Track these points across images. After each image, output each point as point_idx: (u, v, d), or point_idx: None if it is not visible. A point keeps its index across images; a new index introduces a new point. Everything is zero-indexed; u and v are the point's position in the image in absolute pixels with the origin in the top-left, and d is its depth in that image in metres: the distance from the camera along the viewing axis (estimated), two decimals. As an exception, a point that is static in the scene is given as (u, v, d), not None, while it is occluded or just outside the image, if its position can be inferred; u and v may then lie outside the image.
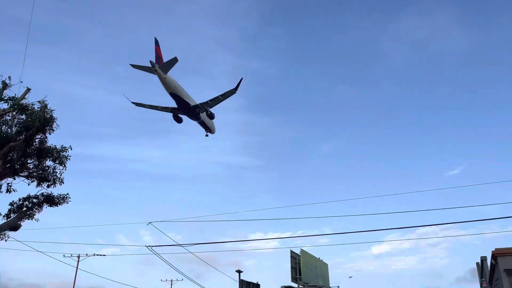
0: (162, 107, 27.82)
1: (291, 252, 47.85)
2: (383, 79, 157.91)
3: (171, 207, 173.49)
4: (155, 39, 23.72)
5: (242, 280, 47.04)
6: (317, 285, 49.00)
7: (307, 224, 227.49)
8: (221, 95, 26.97)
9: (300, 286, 47.70)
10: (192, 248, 26.12)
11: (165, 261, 25.62)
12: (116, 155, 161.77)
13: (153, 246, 24.62)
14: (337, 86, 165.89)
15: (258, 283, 52.50)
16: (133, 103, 27.48)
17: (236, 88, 26.15)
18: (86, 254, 32.45)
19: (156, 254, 24.68)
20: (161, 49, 22.79)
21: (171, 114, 27.60)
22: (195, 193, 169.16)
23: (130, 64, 24.50)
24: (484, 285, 26.60)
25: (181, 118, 27.64)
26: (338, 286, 54.40)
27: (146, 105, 27.26)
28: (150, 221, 24.90)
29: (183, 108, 26.45)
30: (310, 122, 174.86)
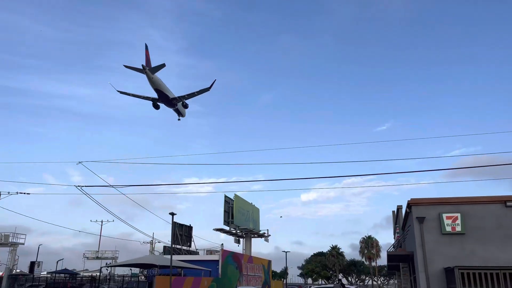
0: (144, 96, 31.33)
1: (225, 196, 49.09)
2: (325, 32, 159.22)
3: (104, 148, 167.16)
4: (145, 44, 27.89)
5: (175, 222, 47.72)
6: (248, 228, 51.20)
7: (242, 170, 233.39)
8: (196, 92, 31.11)
9: (231, 229, 49.57)
10: (125, 190, 25.76)
11: (96, 201, 25.12)
12: (43, 90, 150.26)
13: (82, 186, 23.91)
14: (281, 35, 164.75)
15: (191, 225, 53.66)
16: (118, 91, 30.57)
17: (210, 87, 30.65)
18: (8, 192, 30.74)
19: (86, 194, 24.04)
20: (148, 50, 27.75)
21: (151, 102, 31.48)
22: (129, 135, 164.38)
23: (124, 65, 28.13)
24: (397, 230, 29.55)
25: (159, 105, 31.73)
26: (267, 230, 57.25)
27: (130, 93, 30.79)
28: (80, 161, 24.43)
29: (163, 99, 30.38)
30: (252, 69, 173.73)
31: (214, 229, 50.67)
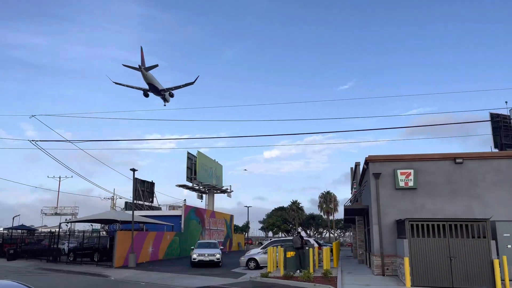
0: (137, 87, 35.91)
1: (188, 153, 48.94)
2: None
3: (59, 102, 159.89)
4: (141, 47, 31.92)
5: (137, 178, 47.34)
6: (210, 184, 51.67)
7: (205, 127, 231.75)
8: (182, 85, 36.41)
9: (194, 185, 49.87)
10: (83, 146, 25.18)
11: (52, 156, 24.28)
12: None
13: (37, 140, 22.97)
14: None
15: (153, 181, 53.42)
16: (114, 82, 35.02)
17: (194, 82, 35.93)
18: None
19: (41, 149, 23.15)
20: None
21: (142, 91, 36.29)
22: (87, 89, 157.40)
23: (123, 64, 32.93)
24: (354, 186, 30.81)
25: (149, 94, 36.48)
26: (230, 186, 58.09)
27: (124, 84, 35.40)
28: (33, 114, 23.52)
29: (153, 90, 35.24)
30: (217, 23, 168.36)
31: (177, 185, 50.89)
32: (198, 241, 28.80)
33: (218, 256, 25.07)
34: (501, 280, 14.00)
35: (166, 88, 36.06)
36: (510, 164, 18.14)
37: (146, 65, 32.20)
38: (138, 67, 32.12)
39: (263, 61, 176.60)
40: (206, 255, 24.87)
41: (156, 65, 32.15)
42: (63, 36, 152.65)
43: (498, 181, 18.00)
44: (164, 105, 38.24)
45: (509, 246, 15.55)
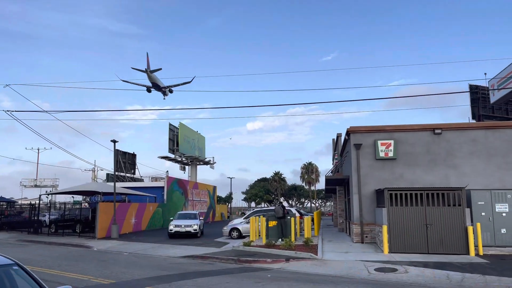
0: (142, 84, 40.45)
1: (170, 125, 48.43)
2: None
3: (35, 71, 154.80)
4: (147, 53, 42.24)
5: (118, 150, 46.81)
6: (193, 155, 51.52)
7: (187, 98, 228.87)
8: (180, 83, 41.79)
9: (176, 156, 49.65)
10: (63, 117, 24.53)
11: (29, 127, 23.73)
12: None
13: (13, 111, 22.29)
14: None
15: (135, 153, 52.92)
16: (122, 80, 39.38)
17: (191, 81, 41.28)
18: None
19: (17, 120, 22.53)
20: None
21: (145, 88, 40.76)
22: (64, 58, 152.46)
23: (131, 67, 40.76)
24: (336, 156, 31.17)
25: (151, 90, 40.97)
26: (213, 157, 58.06)
27: (131, 82, 39.74)
28: (8, 84, 22.81)
29: (155, 88, 40.53)
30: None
31: (159, 157, 50.52)
32: (178, 212, 28.65)
33: (195, 227, 24.72)
34: (475, 246, 14.57)
35: (167, 86, 42.56)
36: (486, 135, 18.56)
37: (151, 68, 39.40)
38: (144, 70, 38.75)
39: (246, 32, 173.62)
40: (182, 226, 24.57)
41: (160, 69, 39.52)
42: (36, 2, 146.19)
43: (474, 151, 18.44)
44: (164, 98, 44.38)
45: (483, 213, 16.12)
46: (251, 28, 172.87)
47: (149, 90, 41.49)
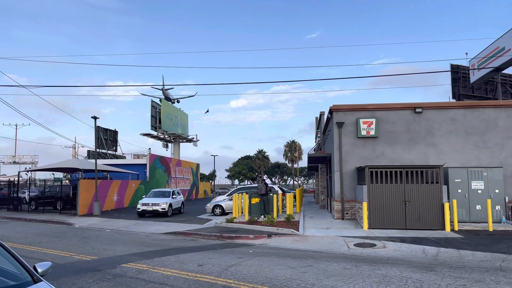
0: (157, 97, 49.64)
1: (152, 101, 47.71)
2: None
3: (12, 44, 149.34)
4: (162, 76, 53.68)
5: (99, 127, 46.07)
6: (176, 133, 51.12)
7: (170, 74, 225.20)
8: (185, 96, 54.70)
9: (159, 133, 49.18)
10: (42, 92, 23.86)
11: (6, 103, 23.02)
12: None
13: (-12, 86, 21.63)
14: None
15: (116, 130, 52.21)
16: (141, 94, 52.60)
17: (194, 95, 52.32)
18: None
19: (-7, 95, 21.85)
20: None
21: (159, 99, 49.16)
22: (42, 32, 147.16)
23: (150, 86, 50.57)
24: (318, 135, 31.41)
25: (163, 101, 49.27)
26: (196, 135, 57.75)
27: (149, 95, 50.56)
28: None
29: (167, 100, 49.96)
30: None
31: (141, 134, 49.94)
32: (152, 190, 27.52)
33: (163, 206, 23.59)
34: (450, 222, 15.05)
35: (175, 98, 53.15)
36: (465, 114, 18.92)
37: (166, 88, 48.82)
38: (161, 88, 48.43)
39: (230, 8, 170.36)
40: (150, 204, 23.61)
41: (172, 87, 49.00)
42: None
43: (453, 130, 18.82)
44: (172, 102, 53.37)
45: (459, 190, 16.60)
46: (235, 4, 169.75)
47: (161, 101, 51.21)
